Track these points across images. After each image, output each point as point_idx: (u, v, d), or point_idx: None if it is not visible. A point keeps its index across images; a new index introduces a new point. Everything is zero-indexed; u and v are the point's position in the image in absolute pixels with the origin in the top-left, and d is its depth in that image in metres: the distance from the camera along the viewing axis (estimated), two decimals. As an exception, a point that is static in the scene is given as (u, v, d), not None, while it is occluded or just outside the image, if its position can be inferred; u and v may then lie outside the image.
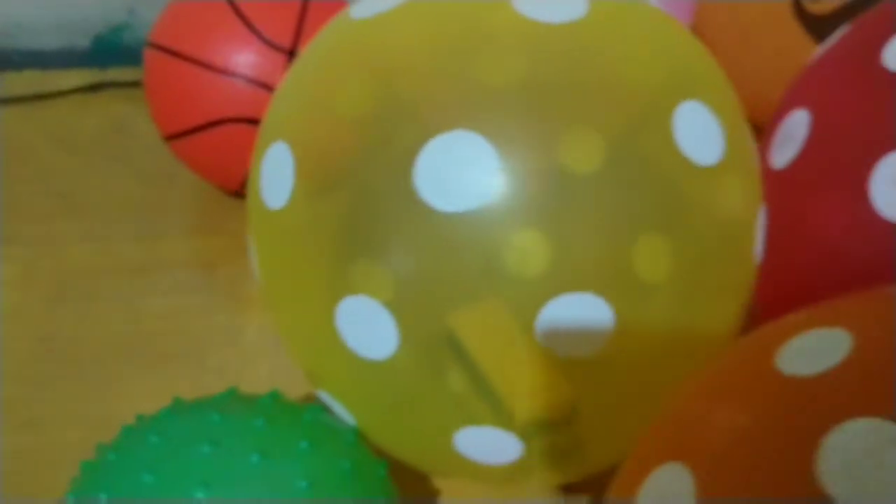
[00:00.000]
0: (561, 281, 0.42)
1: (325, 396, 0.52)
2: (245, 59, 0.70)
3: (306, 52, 0.50)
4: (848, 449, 0.30)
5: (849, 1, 0.68)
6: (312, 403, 0.51)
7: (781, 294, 0.56)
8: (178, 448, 0.44)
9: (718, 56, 0.81)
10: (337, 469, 0.45)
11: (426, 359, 0.44)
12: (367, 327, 0.44)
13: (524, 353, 0.45)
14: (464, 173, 0.42)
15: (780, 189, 0.56)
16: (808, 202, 0.53)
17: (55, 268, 0.81)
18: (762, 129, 0.61)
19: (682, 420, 0.38)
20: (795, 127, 0.55)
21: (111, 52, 1.00)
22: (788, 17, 0.71)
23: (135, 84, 0.97)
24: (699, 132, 0.44)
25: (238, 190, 0.79)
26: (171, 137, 0.76)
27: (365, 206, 0.43)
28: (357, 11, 0.48)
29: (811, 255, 0.53)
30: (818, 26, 0.69)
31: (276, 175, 0.47)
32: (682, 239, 0.45)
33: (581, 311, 0.43)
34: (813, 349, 0.35)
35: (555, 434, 0.49)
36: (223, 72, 0.70)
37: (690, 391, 0.39)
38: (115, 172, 0.91)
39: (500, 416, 0.47)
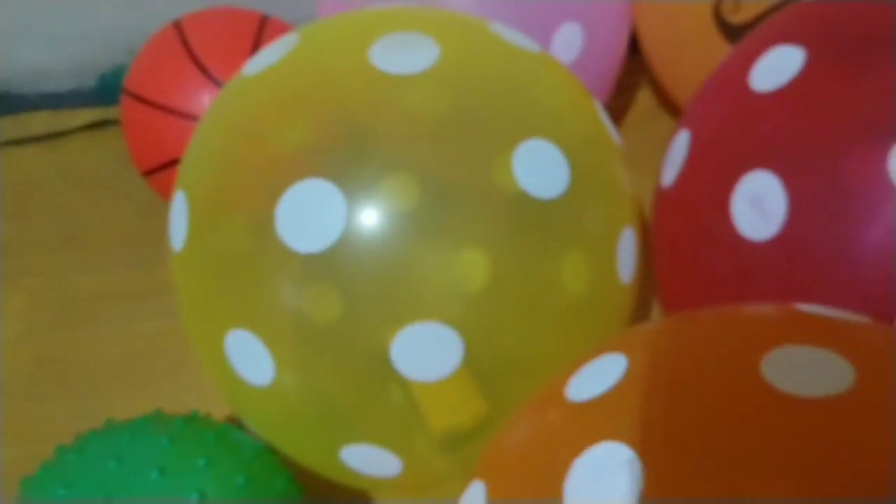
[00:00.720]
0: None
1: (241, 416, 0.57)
2: (201, 102, 0.76)
3: (206, 114, 0.55)
4: (588, 469, 0.33)
5: (763, 11, 0.69)
6: (229, 423, 0.56)
7: (678, 301, 0.59)
8: (89, 464, 0.49)
9: (662, 64, 0.83)
10: (230, 483, 0.50)
11: (302, 384, 0.49)
12: (250, 357, 0.49)
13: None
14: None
15: (666, 207, 0.58)
16: (686, 220, 0.55)
17: (58, 296, 0.88)
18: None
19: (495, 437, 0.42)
20: (679, 147, 0.57)
21: (114, 90, 1.07)
22: (711, 27, 0.72)
23: (135, 122, 1.04)
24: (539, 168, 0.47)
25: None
26: (146, 174, 0.82)
27: (236, 249, 0.48)
28: (248, 70, 0.53)
29: (690, 269, 0.55)
30: (738, 36, 0.71)
31: (177, 221, 0.52)
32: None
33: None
34: (595, 375, 0.38)
35: (471, 442, 0.53)
36: (183, 115, 0.76)
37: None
38: (117, 205, 0.97)
39: (424, 430, 0.51)
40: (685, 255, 0.55)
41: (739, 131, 0.52)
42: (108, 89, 1.08)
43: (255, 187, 0.47)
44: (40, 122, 1.08)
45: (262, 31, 0.78)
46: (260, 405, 0.52)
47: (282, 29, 0.80)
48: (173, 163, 0.78)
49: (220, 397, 0.74)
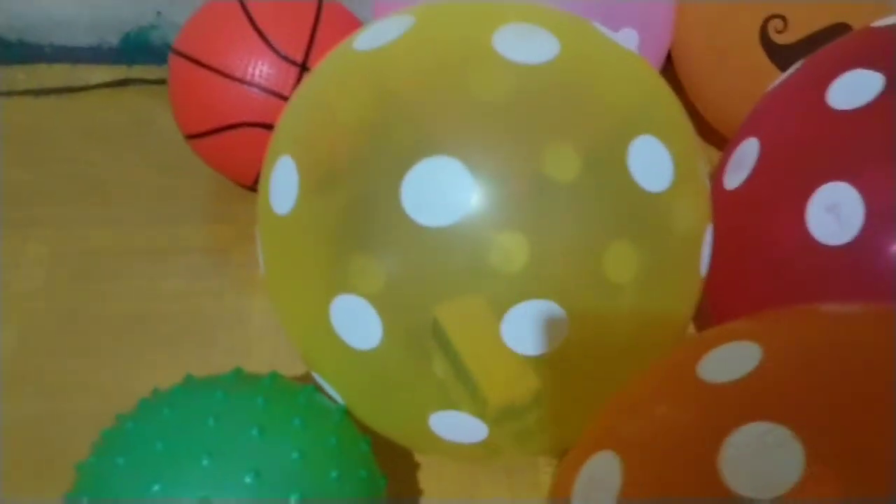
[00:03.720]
0: (538, 279, 0.47)
1: (319, 378, 0.56)
2: (261, 70, 0.74)
3: (311, 77, 0.55)
4: (743, 447, 0.34)
5: (810, 34, 0.72)
6: (308, 384, 0.55)
7: (732, 303, 0.61)
8: (186, 420, 0.48)
9: (696, 76, 0.85)
10: (325, 443, 0.50)
11: (407, 350, 0.49)
12: (357, 322, 0.49)
13: (498, 346, 0.49)
14: (443, 194, 0.46)
15: (731, 208, 0.60)
16: (754, 222, 0.57)
17: (80, 249, 0.84)
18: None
19: (617, 413, 0.42)
20: (747, 154, 0.59)
21: (138, 50, 1.04)
22: (755, 44, 0.75)
23: (158, 81, 1.00)
24: (651, 163, 0.48)
25: (252, 185, 0.83)
26: (191, 137, 0.80)
27: (358, 217, 0.47)
28: (359, 44, 0.52)
29: (756, 270, 0.57)
30: (781, 55, 0.73)
31: (282, 185, 0.51)
32: (642, 248, 0.49)
33: (541, 316, 0.47)
34: (729, 359, 0.39)
35: (521, 418, 0.54)
36: (241, 81, 0.74)
37: (629, 387, 0.44)
38: (138, 162, 0.94)
39: (476, 402, 0.52)
40: (749, 253, 0.57)
41: (817, 144, 0.54)
42: (131, 48, 1.04)
43: (380, 155, 0.47)
44: (56, 74, 1.04)
45: (321, 8, 0.77)
46: (356, 370, 0.51)
47: (340, 10, 0.79)
48: (225, 128, 0.76)
49: (259, 359, 0.74)
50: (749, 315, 0.43)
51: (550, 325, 0.48)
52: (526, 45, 0.49)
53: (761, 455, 0.34)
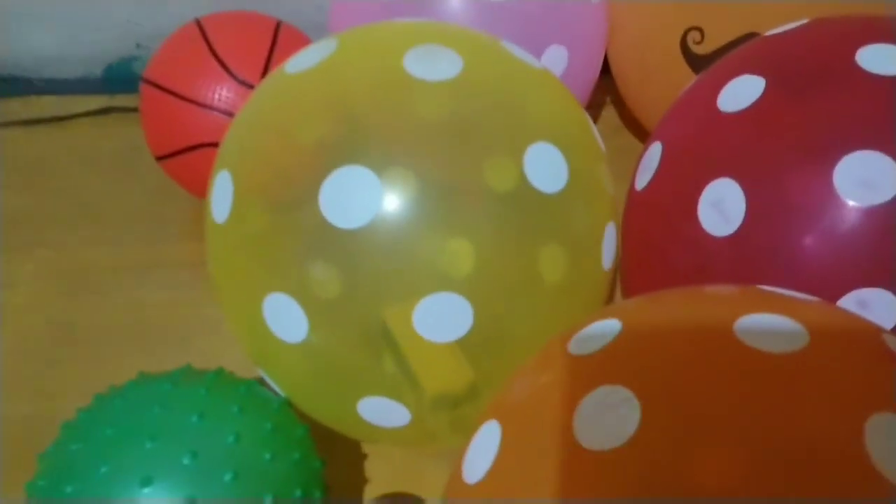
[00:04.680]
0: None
1: (263, 373, 0.61)
2: (220, 94, 0.80)
3: (250, 99, 0.60)
4: (591, 407, 0.39)
5: (725, 44, 0.77)
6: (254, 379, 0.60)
7: (643, 288, 0.65)
8: (134, 408, 0.53)
9: (629, 87, 0.90)
10: (260, 428, 0.55)
11: (330, 342, 0.54)
12: (285, 317, 0.54)
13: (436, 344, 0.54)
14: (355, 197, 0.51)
15: (640, 208, 0.64)
16: (657, 219, 0.62)
17: (70, 266, 0.91)
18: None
19: (507, 387, 0.47)
20: (652, 157, 0.64)
21: (120, 80, 1.10)
22: (678, 56, 0.80)
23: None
24: (546, 168, 0.53)
25: (219, 202, 0.89)
26: (161, 158, 0.86)
27: (284, 228, 0.52)
28: (289, 67, 0.58)
29: (661, 263, 0.62)
30: (701, 65, 0.78)
31: (220, 196, 0.57)
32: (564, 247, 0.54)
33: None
34: (593, 335, 0.44)
35: (459, 407, 0.58)
36: (203, 105, 0.80)
37: (522, 366, 0.48)
38: (126, 186, 1.01)
39: (417, 396, 0.56)
40: (653, 249, 0.62)
41: (707, 144, 0.59)
42: (113, 79, 1.10)
43: (299, 168, 0.52)
44: (48, 105, 1.10)
45: (277, 34, 0.83)
46: (289, 361, 0.56)
47: (295, 34, 0.84)
48: (189, 149, 0.82)
49: (230, 361, 0.78)
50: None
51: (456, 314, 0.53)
52: (432, 64, 0.54)
53: (604, 412, 0.38)
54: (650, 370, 0.39)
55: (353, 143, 0.51)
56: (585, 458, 0.37)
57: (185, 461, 0.51)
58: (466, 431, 0.62)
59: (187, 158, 0.82)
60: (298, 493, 0.54)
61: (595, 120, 1.05)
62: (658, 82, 0.83)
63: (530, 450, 0.41)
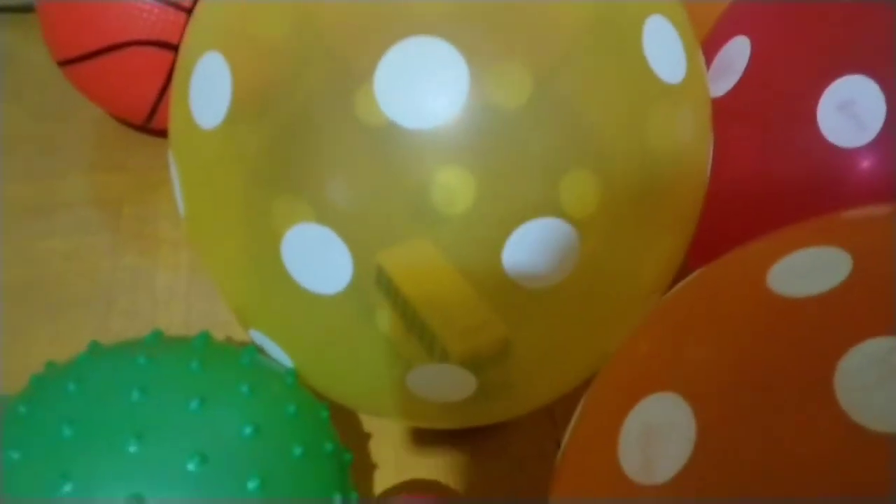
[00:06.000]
0: (488, 217, 0.38)
1: (259, 337, 0.45)
2: (149, -25, 0.60)
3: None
4: (864, 370, 0.27)
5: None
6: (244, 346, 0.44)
7: (723, 228, 0.54)
8: (101, 395, 0.37)
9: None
10: (282, 413, 0.39)
11: (385, 293, 0.39)
12: (319, 258, 0.38)
13: (458, 290, 0.40)
14: (421, 87, 0.36)
15: (721, 119, 0.53)
16: (752, 132, 0.50)
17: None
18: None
19: (664, 343, 0.34)
20: (734, 55, 0.52)
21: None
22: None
23: (24, 9, 0.86)
24: (666, 49, 0.40)
25: (144, 122, 0.70)
26: (66, 62, 0.65)
27: (306, 123, 0.37)
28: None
29: (759, 185, 0.51)
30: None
31: (209, 90, 0.40)
32: (610, 174, 0.40)
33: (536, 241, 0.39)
34: (811, 268, 0.31)
35: (488, 371, 0.45)
36: (124, -9, 0.61)
37: (658, 325, 0.36)
38: (7, 108, 0.80)
39: (434, 357, 0.43)
40: (752, 163, 0.50)
41: (824, 36, 0.48)
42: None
43: (345, 38, 0.36)
44: None
45: None
46: (318, 321, 0.41)
47: None
48: (110, 49, 0.63)
49: (166, 323, 0.62)
50: (808, 220, 0.35)
51: (556, 245, 0.39)
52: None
53: (891, 378, 0.26)
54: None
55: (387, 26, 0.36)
56: (871, 441, 0.25)
57: (191, 467, 0.35)
58: (498, 402, 0.50)
59: (107, 61, 0.63)
60: (338, 497, 0.40)
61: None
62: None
63: (764, 436, 0.28)
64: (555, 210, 0.38)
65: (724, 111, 0.52)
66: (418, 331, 0.42)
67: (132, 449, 0.35)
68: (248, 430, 0.37)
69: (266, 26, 0.38)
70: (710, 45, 0.56)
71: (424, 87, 0.36)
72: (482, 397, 0.44)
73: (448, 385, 0.43)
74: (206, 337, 0.43)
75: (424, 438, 0.57)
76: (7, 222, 0.71)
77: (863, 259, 0.31)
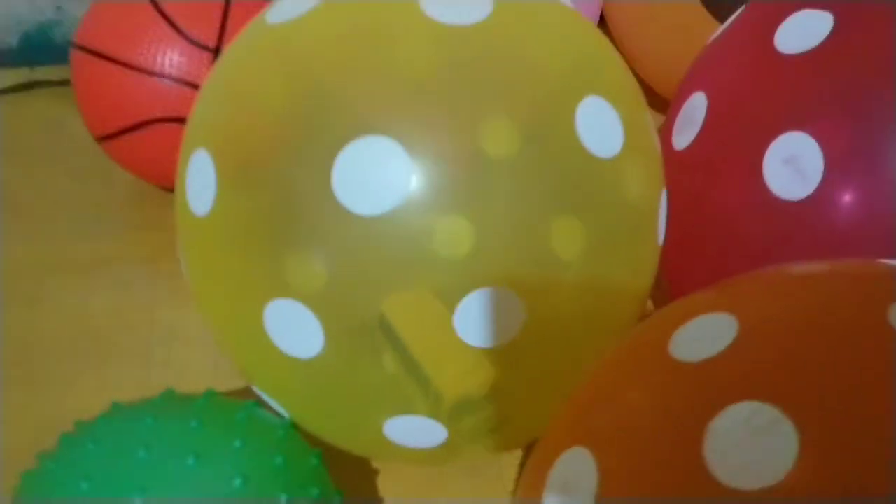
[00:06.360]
0: (484, 262, 0.43)
1: (259, 391, 0.51)
2: (170, 59, 0.68)
3: (223, 58, 0.49)
4: (730, 431, 0.31)
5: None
6: (248, 400, 0.50)
7: (689, 271, 0.57)
8: (113, 454, 0.43)
9: (630, 35, 0.82)
10: (270, 464, 0.45)
11: (352, 354, 0.44)
12: (294, 328, 0.44)
13: (450, 337, 0.45)
14: (379, 178, 0.41)
15: (681, 170, 0.56)
16: (708, 181, 0.54)
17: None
18: (668, 103, 0.62)
19: (586, 403, 0.39)
20: (695, 110, 0.56)
21: (40, 50, 0.96)
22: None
23: (66, 82, 0.93)
24: (600, 126, 0.44)
25: (174, 186, 0.77)
26: (103, 139, 0.73)
27: (286, 212, 0.42)
28: (272, 17, 0.47)
29: (713, 234, 0.54)
30: (718, 5, 0.70)
31: (199, 182, 0.46)
32: (592, 221, 0.45)
33: (494, 303, 0.43)
34: (702, 335, 0.35)
35: (477, 413, 0.50)
36: (150, 72, 0.68)
37: (595, 374, 0.40)
38: (52, 172, 0.88)
39: (429, 399, 0.47)
40: (704, 216, 0.54)
41: (770, 92, 0.51)
42: (32, 48, 0.96)
43: (306, 139, 0.42)
44: (-45, 83, 0.96)
45: (232, -14, 0.71)
46: (298, 380, 0.46)
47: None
48: (138, 126, 0.70)
49: (198, 373, 0.69)
50: (715, 284, 0.39)
51: (503, 312, 0.44)
52: (455, 5, 0.44)
53: (750, 440, 0.30)
54: (799, 381, 0.31)
55: (371, 105, 0.41)
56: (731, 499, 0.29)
57: (186, 517, 0.41)
58: (489, 441, 0.55)
59: (136, 137, 0.70)
60: (322, 536, 0.45)
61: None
62: (666, 28, 0.75)
63: (646, 485, 0.32)
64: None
65: (685, 163, 0.56)
66: (415, 374, 0.47)
67: (136, 500, 0.41)
68: (237, 482, 0.43)
69: (246, 128, 0.44)
70: (677, 99, 0.60)
71: (374, 179, 0.41)
72: (452, 445, 0.49)
73: (420, 434, 0.48)
74: (210, 395, 0.49)
75: (431, 474, 0.62)
76: (53, 280, 0.77)
77: (747, 324, 0.34)
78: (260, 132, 0.44)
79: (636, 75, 0.82)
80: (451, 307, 0.44)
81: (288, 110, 0.43)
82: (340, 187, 0.41)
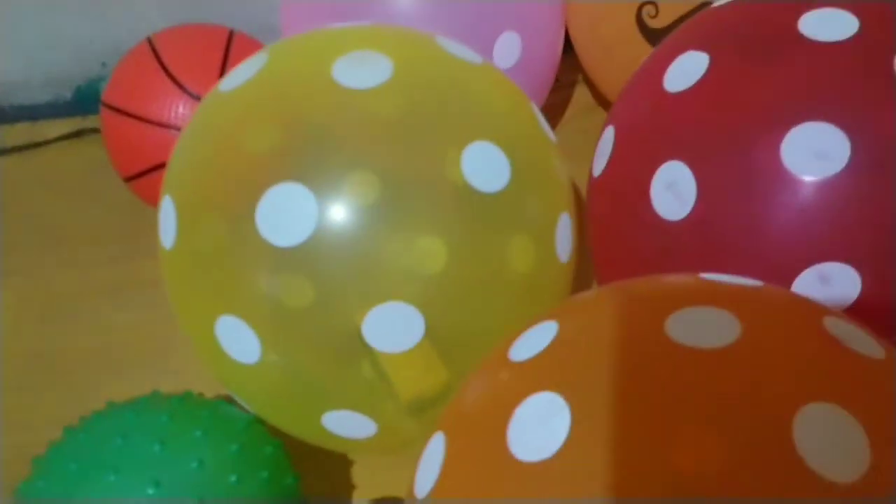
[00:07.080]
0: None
1: (230, 392, 0.62)
2: (177, 112, 0.79)
3: (190, 122, 0.60)
4: (526, 416, 0.39)
5: (680, 17, 0.75)
6: (222, 399, 0.60)
7: (613, 275, 0.64)
8: (98, 441, 0.54)
9: (592, 68, 0.89)
10: (225, 451, 0.55)
11: (286, 361, 0.54)
12: (237, 339, 0.54)
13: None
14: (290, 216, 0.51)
15: (598, 194, 0.64)
16: (614, 205, 0.61)
17: (43, 293, 0.92)
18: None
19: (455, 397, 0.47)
20: (606, 142, 0.63)
21: (90, 101, 1.10)
22: (635, 32, 0.78)
23: (106, 130, 1.07)
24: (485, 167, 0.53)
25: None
26: (128, 179, 0.86)
27: (222, 245, 0.52)
28: (222, 85, 0.58)
29: (621, 250, 0.61)
30: (657, 39, 0.76)
31: (165, 222, 0.57)
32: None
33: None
34: (531, 339, 0.43)
35: (436, 407, 0.58)
36: (160, 124, 0.80)
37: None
38: (95, 207, 1.01)
39: (395, 398, 0.56)
40: (614, 235, 0.61)
41: (656, 126, 0.58)
42: (84, 100, 1.11)
43: (235, 190, 0.52)
44: (18, 133, 1.11)
45: (230, 44, 0.82)
46: (249, 382, 0.56)
47: (248, 42, 0.84)
48: (153, 168, 0.82)
49: (205, 379, 0.78)
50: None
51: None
52: (361, 71, 0.53)
53: (538, 421, 0.38)
54: (582, 375, 0.39)
55: (284, 156, 0.51)
56: (519, 470, 0.37)
57: (150, 491, 0.51)
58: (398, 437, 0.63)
59: (153, 178, 0.82)
60: (270, 512, 0.55)
61: (567, 100, 1.04)
62: (617, 60, 0.82)
63: (470, 463, 0.40)
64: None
65: (599, 188, 0.63)
66: (385, 379, 0.56)
67: (111, 478, 0.51)
68: (193, 464, 0.53)
69: (192, 181, 0.55)
70: (601, 132, 0.67)
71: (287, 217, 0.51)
72: (382, 436, 0.58)
73: (353, 426, 0.57)
74: (186, 395, 0.59)
75: (400, 462, 0.70)
76: (88, 300, 0.90)
77: (565, 329, 0.42)
78: (202, 184, 0.54)
79: (606, 96, 0.89)
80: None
81: (217, 168, 0.53)
82: (262, 225, 0.50)
